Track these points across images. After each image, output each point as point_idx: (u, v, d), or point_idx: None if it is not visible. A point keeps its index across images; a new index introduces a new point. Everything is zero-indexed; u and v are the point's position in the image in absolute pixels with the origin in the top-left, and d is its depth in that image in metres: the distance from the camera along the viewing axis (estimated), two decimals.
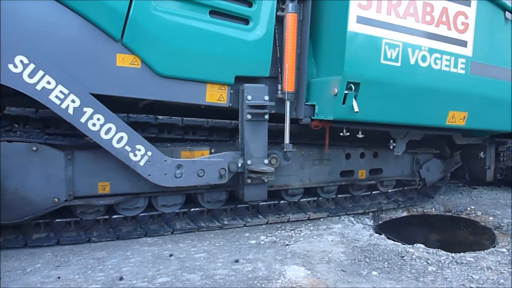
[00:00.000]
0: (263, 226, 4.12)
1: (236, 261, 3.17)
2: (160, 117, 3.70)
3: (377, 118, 3.96)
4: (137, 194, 3.66)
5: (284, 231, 3.97)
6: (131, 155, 3.38)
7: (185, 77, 3.57)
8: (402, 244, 3.72)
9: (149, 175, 3.47)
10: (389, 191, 5.01)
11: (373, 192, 4.90)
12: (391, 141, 4.51)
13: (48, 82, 3.10)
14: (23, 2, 3.07)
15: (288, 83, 3.86)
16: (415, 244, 3.68)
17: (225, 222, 4.01)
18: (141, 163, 3.42)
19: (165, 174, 3.52)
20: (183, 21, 3.48)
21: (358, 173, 4.70)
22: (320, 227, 4.14)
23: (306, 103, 3.98)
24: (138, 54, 3.39)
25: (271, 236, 3.80)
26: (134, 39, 3.35)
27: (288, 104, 3.88)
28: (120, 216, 3.66)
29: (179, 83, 3.56)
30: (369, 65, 3.73)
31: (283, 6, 3.87)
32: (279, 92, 3.92)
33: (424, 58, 3.98)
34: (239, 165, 3.78)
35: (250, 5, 3.76)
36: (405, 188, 5.16)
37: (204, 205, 3.98)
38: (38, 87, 3.08)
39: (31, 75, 3.05)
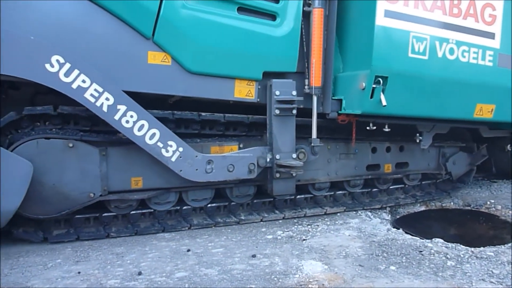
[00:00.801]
0: (280, 221, 4.12)
1: (253, 256, 3.17)
2: (203, 113, 3.79)
3: (404, 112, 3.96)
4: (169, 189, 3.73)
5: (301, 226, 3.96)
6: (163, 151, 3.44)
7: (214, 73, 3.61)
8: (420, 238, 3.65)
9: (181, 171, 3.53)
10: (407, 185, 4.96)
11: (391, 187, 4.86)
12: (417, 134, 4.49)
13: (83, 81, 3.17)
14: (58, 2, 3.15)
15: (315, 78, 3.87)
16: (433, 239, 3.60)
17: (242, 217, 4.02)
18: (173, 159, 3.48)
19: (196, 170, 3.58)
20: (212, 18, 3.53)
21: (384, 167, 4.69)
22: (337, 222, 4.12)
23: (333, 98, 3.99)
24: (169, 52, 3.45)
25: (287, 231, 3.79)
26: (165, 36, 3.41)
27: (315, 99, 3.91)
28: (138, 212, 3.72)
29: (209, 79, 3.61)
30: (397, 59, 3.72)
31: (310, 2, 3.88)
32: (306, 87, 3.94)
33: (451, 51, 3.96)
34: (268, 159, 3.82)
35: (277, 1, 3.79)
36: (423, 183, 5.10)
37: (233, 199, 4.04)
38: (74, 86, 3.15)
39: (67, 74, 3.13)
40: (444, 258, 3.21)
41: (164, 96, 3.68)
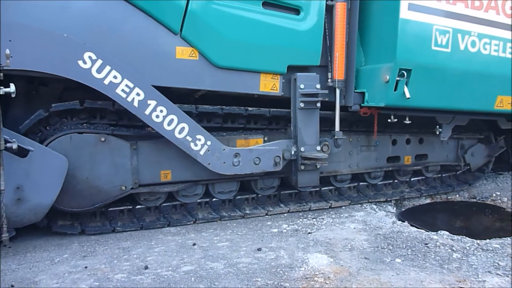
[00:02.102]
0: (285, 214, 4.13)
1: (259, 249, 3.20)
2: (249, 108, 3.91)
3: (427, 104, 4.01)
4: (196, 182, 3.82)
5: (306, 219, 3.98)
6: (192, 145, 3.52)
7: (240, 67, 3.69)
8: (426, 231, 3.68)
9: (209, 164, 3.61)
10: (412, 179, 4.95)
11: (395, 181, 4.85)
12: (437, 126, 4.55)
13: (115, 77, 3.25)
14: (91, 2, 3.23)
15: (338, 71, 3.94)
16: (439, 231, 3.64)
17: (247, 211, 4.05)
18: (202, 152, 3.56)
19: (224, 163, 3.66)
20: (238, 13, 3.60)
21: (404, 158, 4.76)
22: (342, 215, 4.14)
23: (355, 91, 4.05)
24: (196, 46, 3.53)
25: (293, 225, 3.81)
26: (193, 31, 3.48)
27: (338, 92, 3.98)
28: (143, 206, 3.72)
29: (235, 73, 3.69)
30: (421, 52, 3.77)
31: None
32: (329, 80, 4.01)
33: (473, 44, 4.01)
34: (293, 152, 3.90)
35: None
36: (428, 177, 5.08)
37: (257, 191, 4.13)
38: (106, 82, 3.23)
39: (99, 70, 3.21)
40: (449, 250, 3.23)
41: (190, 90, 3.76)
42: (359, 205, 4.49)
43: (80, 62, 3.17)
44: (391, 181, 4.83)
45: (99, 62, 3.20)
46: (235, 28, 3.60)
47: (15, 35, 2.99)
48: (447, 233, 3.61)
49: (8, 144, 2.87)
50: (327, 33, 3.97)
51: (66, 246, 3.29)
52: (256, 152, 3.78)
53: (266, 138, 3.99)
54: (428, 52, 3.80)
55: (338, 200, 4.45)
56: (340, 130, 4.07)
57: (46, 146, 3.23)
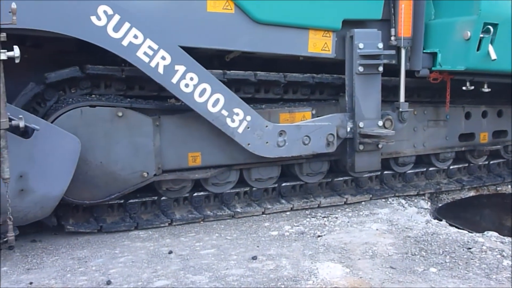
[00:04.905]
0: (287, 213, 4.22)
1: (254, 258, 3.22)
2: (316, 75, 4.17)
3: None
4: (231, 166, 4.00)
5: (315, 219, 4.07)
6: (228, 120, 3.68)
7: (285, 22, 3.85)
8: (469, 232, 3.77)
9: (249, 144, 3.78)
10: (451, 167, 5.04)
11: (430, 169, 4.93)
12: None
13: (135, 36, 3.39)
14: None
15: (405, 26, 4.10)
16: (485, 232, 3.72)
17: (238, 210, 4.15)
18: (240, 130, 3.73)
19: (267, 143, 3.83)
20: None
21: (479, 136, 4.96)
22: (361, 213, 4.22)
23: (424, 51, 4.23)
24: None
25: (297, 226, 3.87)
26: None
27: (403, 52, 4.14)
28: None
29: (279, 30, 3.86)
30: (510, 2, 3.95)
31: None
32: (392, 38, 4.17)
33: None
34: (349, 129, 4.08)
35: None
36: (471, 164, 5.16)
37: (302, 178, 4.32)
38: (125, 43, 3.38)
39: (116, 28, 3.35)
40: (499, 256, 3.25)
41: (220, 52, 3.93)
42: (383, 199, 4.57)
43: (93, 18, 3.30)
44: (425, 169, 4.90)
45: (117, 17, 3.34)
46: None
47: None
48: (495, 234, 3.71)
49: (13, 122, 2.96)
50: None
51: (5, 257, 3.29)
52: (305, 129, 3.95)
53: (314, 111, 4.17)
54: None
55: (355, 194, 4.55)
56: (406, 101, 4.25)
57: (52, 122, 3.37)
